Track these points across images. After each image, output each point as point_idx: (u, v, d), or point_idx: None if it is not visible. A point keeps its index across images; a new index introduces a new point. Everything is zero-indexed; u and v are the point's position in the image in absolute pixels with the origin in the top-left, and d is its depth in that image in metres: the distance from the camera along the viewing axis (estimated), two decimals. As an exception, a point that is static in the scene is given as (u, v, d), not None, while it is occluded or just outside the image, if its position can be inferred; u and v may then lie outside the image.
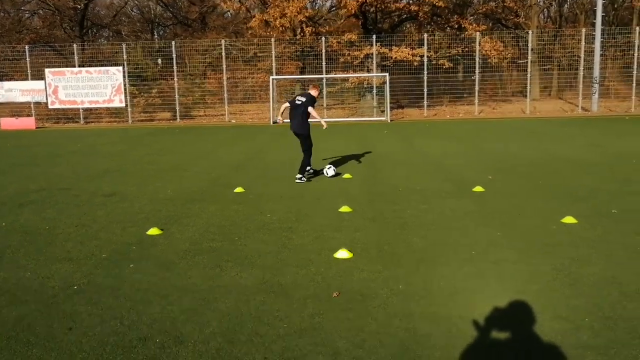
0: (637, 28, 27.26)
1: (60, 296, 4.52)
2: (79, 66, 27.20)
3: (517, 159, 11.59)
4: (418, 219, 6.83)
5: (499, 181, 9.21)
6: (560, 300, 4.24)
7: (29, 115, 26.85)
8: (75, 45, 28.01)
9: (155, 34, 48.78)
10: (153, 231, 6.41)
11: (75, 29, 40.00)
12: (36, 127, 25.29)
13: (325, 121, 10.21)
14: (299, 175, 9.58)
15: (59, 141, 18.43)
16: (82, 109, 27.39)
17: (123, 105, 26.76)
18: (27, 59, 27.22)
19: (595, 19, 26.53)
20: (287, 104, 9.95)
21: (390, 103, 25.51)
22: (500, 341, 3.64)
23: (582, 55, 26.74)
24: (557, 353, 3.46)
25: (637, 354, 3.42)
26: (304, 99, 9.67)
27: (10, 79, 27.66)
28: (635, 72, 26.17)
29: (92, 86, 26.28)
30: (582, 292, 4.39)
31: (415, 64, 26.49)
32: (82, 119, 27.72)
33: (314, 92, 9.78)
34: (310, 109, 9.57)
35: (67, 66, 27.57)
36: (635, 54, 26.10)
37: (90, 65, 27.81)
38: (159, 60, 29.17)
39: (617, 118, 23.12)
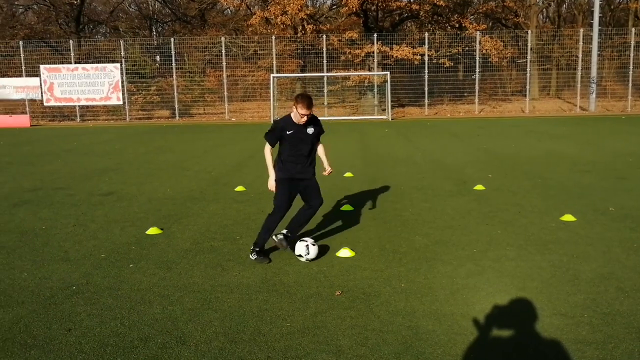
0: (633, 29, 27.34)
1: (58, 297, 4.46)
2: (76, 63, 27.08)
3: (517, 158, 11.61)
4: (420, 217, 6.82)
5: (499, 179, 9.22)
6: (560, 297, 4.25)
7: (23, 113, 26.74)
8: (71, 42, 27.90)
9: (154, 30, 48.65)
10: (153, 231, 6.38)
11: (71, 24, 39.86)
12: (31, 125, 25.14)
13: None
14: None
15: (54, 139, 18.37)
16: (79, 106, 27.29)
17: (120, 103, 26.68)
18: (22, 55, 27.07)
19: (592, 20, 26.55)
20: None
21: (391, 101, 25.52)
22: (502, 338, 3.64)
23: (580, 55, 26.78)
24: (557, 348, 3.47)
25: (634, 349, 3.44)
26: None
27: (3, 76, 27.44)
28: (631, 72, 26.22)
29: (88, 83, 26.16)
30: (581, 289, 4.40)
31: (416, 62, 26.51)
32: (78, 116, 27.64)
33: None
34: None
35: (62, 63, 27.44)
36: (631, 55, 26.15)
37: (86, 62, 27.67)
38: (158, 58, 29.10)
39: (614, 117, 23.16)
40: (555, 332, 3.68)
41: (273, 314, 4.05)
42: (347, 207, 7.35)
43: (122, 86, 26.40)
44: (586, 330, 3.69)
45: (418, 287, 4.52)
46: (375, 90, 27.38)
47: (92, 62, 27.39)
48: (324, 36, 27.11)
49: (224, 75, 26.87)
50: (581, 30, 27.62)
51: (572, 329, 3.72)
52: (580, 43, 26.76)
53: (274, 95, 25.75)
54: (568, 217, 6.56)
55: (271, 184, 5.36)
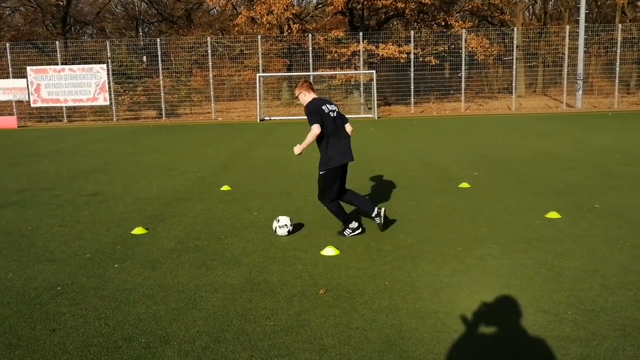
0: (620, 25, 27.58)
1: (43, 297, 4.46)
2: (62, 64, 26.91)
3: (503, 155, 11.67)
4: (405, 216, 6.85)
5: (485, 177, 9.27)
6: (544, 294, 4.28)
7: (10, 114, 26.51)
8: (57, 43, 27.69)
9: (140, 31, 48.40)
10: (138, 231, 6.36)
11: (58, 26, 39.58)
12: (18, 126, 24.93)
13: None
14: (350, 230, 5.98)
15: (41, 140, 18.22)
16: (66, 107, 27.11)
17: (107, 103, 26.53)
18: (8, 57, 26.84)
19: (579, 17, 26.77)
20: (317, 126, 5.85)
21: (377, 100, 25.57)
22: (486, 335, 3.66)
23: (567, 52, 26.98)
24: (541, 346, 3.50)
25: (618, 346, 3.47)
26: (334, 107, 6.27)
27: (-10, 78, 27.25)
28: (617, 69, 26.46)
29: (75, 84, 25.99)
30: (565, 286, 4.43)
31: (402, 61, 26.58)
32: (65, 117, 27.44)
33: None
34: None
35: (49, 64, 27.25)
36: (618, 51, 26.38)
37: (73, 63, 27.51)
38: (144, 58, 28.95)
39: (601, 114, 23.36)
40: (538, 329, 3.70)
41: (257, 313, 4.05)
42: (333, 206, 7.35)
43: (109, 87, 26.25)
44: (570, 328, 3.71)
45: (402, 285, 4.54)
46: (362, 89, 27.45)
47: (79, 63, 27.20)
48: (310, 35, 27.12)
49: (210, 75, 26.80)
50: (567, 27, 27.84)
51: (555, 326, 3.74)
52: (567, 40, 26.96)
53: (260, 95, 25.72)
54: (553, 215, 6.60)
55: None
